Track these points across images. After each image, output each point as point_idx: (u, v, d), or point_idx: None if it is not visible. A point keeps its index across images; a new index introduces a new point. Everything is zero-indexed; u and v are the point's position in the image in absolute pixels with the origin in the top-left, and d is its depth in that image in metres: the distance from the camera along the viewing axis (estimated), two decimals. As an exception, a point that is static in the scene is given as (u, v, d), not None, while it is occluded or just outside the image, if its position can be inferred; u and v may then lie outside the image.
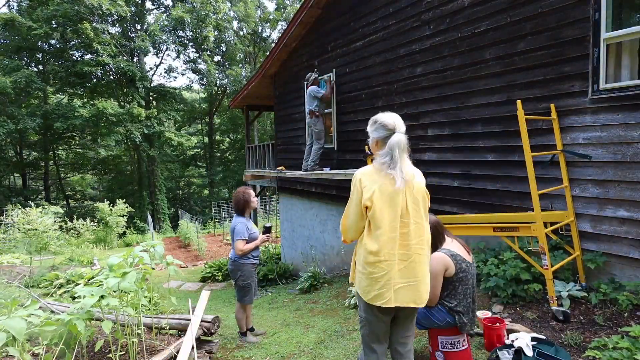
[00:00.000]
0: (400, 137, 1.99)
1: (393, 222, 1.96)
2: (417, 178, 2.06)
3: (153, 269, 3.06)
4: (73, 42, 20.01)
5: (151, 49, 24.36)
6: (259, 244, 3.91)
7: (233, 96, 14.66)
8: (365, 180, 2.01)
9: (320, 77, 7.29)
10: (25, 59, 21.87)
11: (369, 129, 2.13)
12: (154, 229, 18.93)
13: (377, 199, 1.96)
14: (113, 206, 17.26)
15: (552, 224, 3.52)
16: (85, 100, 22.81)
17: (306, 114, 6.83)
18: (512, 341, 2.60)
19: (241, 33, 26.16)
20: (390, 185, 1.97)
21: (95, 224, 16.64)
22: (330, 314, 4.62)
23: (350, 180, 2.14)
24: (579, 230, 3.54)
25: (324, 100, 6.70)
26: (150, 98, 25.11)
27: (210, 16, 23.02)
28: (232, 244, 3.91)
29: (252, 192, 3.97)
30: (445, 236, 2.67)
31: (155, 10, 25.74)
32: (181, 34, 23.97)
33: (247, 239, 3.80)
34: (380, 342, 2.15)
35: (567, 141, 3.56)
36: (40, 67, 22.65)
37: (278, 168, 8.76)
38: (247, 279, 3.88)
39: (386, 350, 2.22)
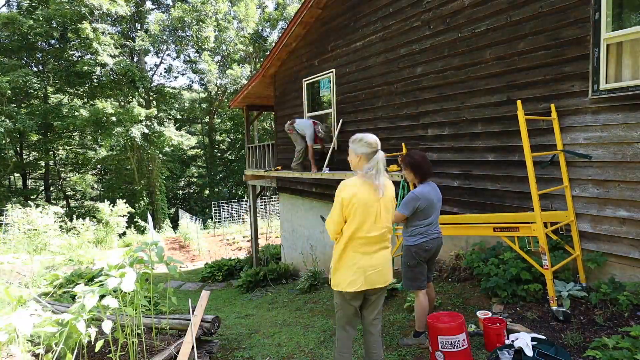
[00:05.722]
0: (382, 154, 2.37)
1: (367, 225, 2.30)
2: (389, 190, 2.42)
3: (153, 269, 3.06)
4: (73, 42, 19.98)
5: (151, 49, 24.34)
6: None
7: (233, 96, 14.65)
8: (348, 189, 2.32)
9: (320, 77, 7.30)
10: (25, 58, 21.86)
11: (352, 144, 2.42)
12: (154, 228, 18.91)
13: (356, 205, 2.28)
14: (113, 206, 17.24)
15: (552, 224, 3.53)
16: (85, 100, 22.80)
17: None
18: (512, 341, 2.60)
19: (241, 33, 26.13)
20: (370, 194, 2.31)
21: (96, 224, 16.62)
22: (330, 314, 4.61)
23: None
24: (579, 230, 3.53)
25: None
26: (150, 98, 25.10)
27: (211, 16, 23.01)
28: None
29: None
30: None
31: (155, 10, 25.74)
32: (181, 34, 23.96)
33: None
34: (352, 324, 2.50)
35: (567, 141, 3.56)
36: (40, 67, 22.63)
37: (276, 168, 8.76)
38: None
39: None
